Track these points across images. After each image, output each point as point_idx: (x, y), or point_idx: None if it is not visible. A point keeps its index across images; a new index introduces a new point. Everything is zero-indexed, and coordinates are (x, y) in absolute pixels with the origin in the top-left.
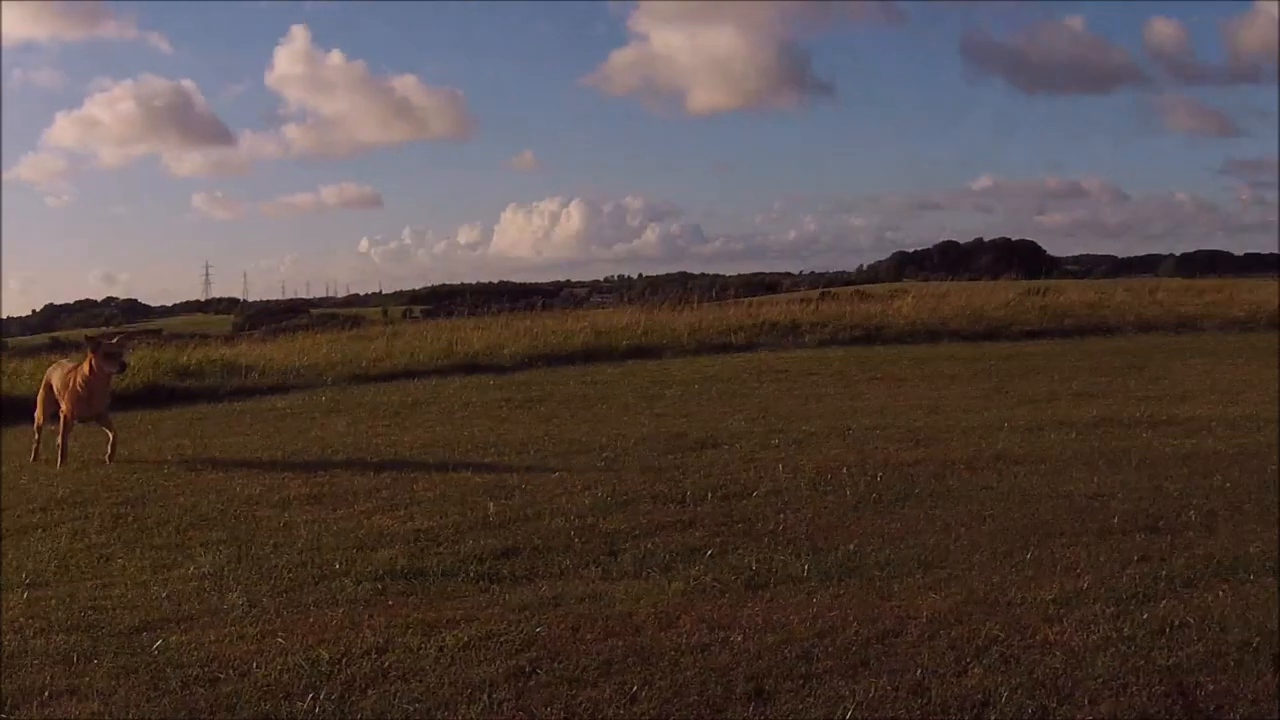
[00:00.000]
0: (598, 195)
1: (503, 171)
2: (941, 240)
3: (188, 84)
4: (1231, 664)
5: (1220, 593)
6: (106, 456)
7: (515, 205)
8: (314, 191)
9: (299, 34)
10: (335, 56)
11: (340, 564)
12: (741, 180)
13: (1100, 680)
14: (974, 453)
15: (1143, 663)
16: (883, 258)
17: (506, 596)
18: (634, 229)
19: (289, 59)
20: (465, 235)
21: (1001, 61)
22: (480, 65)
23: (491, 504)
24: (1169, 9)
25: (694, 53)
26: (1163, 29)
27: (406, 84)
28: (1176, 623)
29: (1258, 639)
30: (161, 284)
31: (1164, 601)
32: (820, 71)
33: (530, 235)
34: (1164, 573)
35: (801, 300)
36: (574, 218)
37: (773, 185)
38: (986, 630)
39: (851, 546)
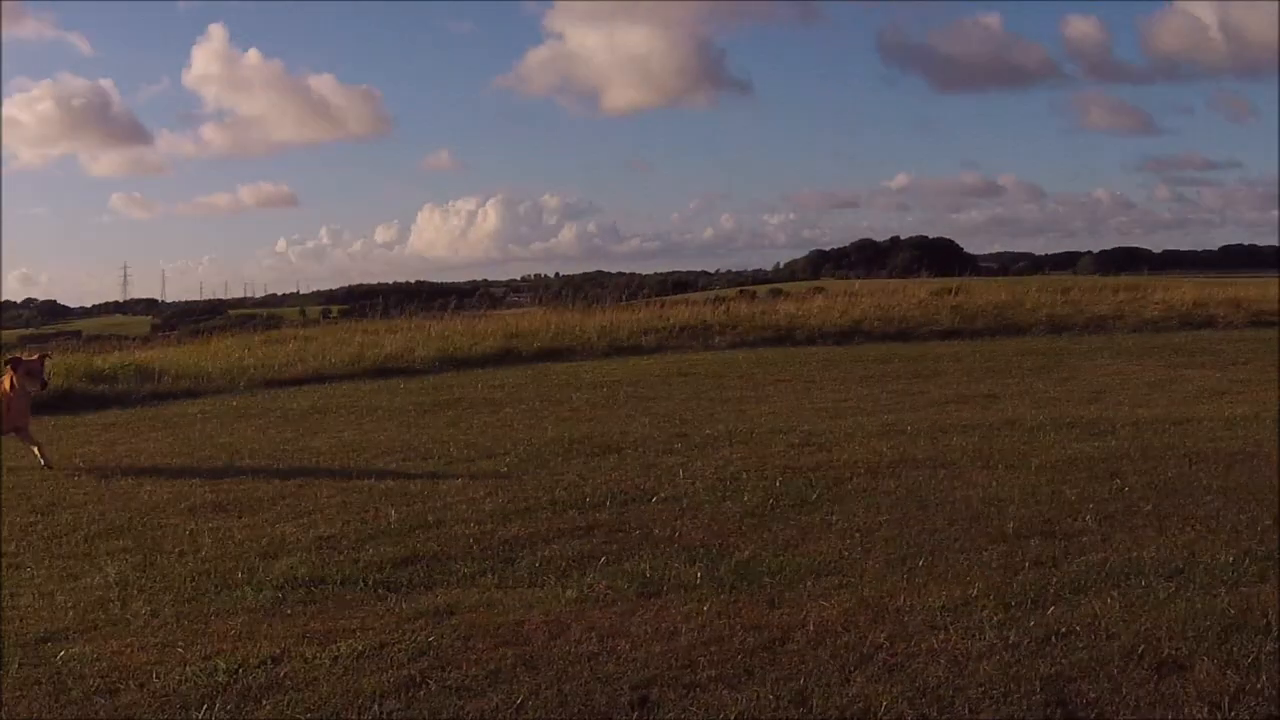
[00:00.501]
0: (514, 194)
1: (419, 171)
2: (858, 238)
3: (106, 83)
4: (1114, 671)
5: (1109, 599)
6: (43, 465)
7: (432, 205)
8: (231, 191)
9: (217, 33)
10: (252, 55)
11: (242, 573)
12: (658, 179)
13: (982, 689)
14: (875, 457)
15: (1025, 671)
16: (800, 256)
17: (403, 605)
18: (551, 228)
19: (206, 58)
20: (382, 235)
21: (918, 60)
22: (396, 64)
23: (393, 511)
24: (1087, 7)
25: (610, 51)
26: (1081, 27)
27: (323, 83)
28: (1063, 630)
29: (1142, 646)
30: (81, 285)
31: (1052, 608)
32: (736, 70)
33: (447, 235)
34: (1055, 579)
35: (716, 300)
36: (490, 217)
37: (689, 183)
38: (872, 638)
39: (746, 553)
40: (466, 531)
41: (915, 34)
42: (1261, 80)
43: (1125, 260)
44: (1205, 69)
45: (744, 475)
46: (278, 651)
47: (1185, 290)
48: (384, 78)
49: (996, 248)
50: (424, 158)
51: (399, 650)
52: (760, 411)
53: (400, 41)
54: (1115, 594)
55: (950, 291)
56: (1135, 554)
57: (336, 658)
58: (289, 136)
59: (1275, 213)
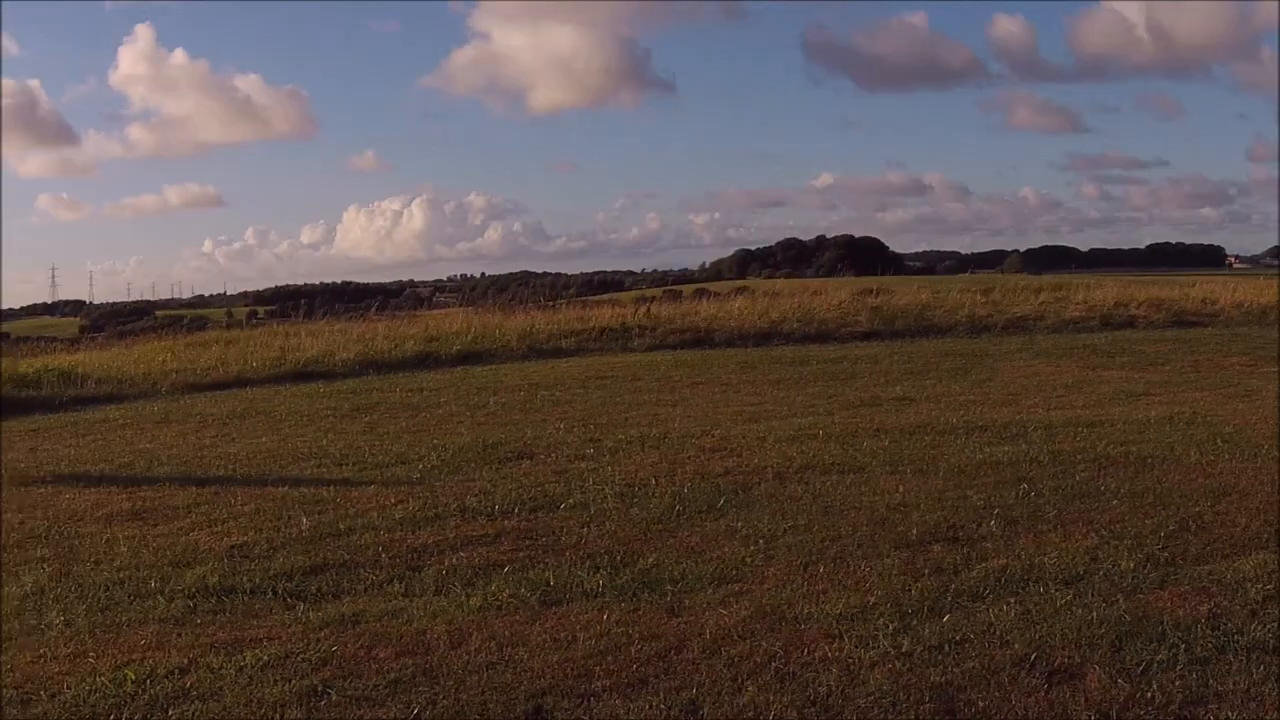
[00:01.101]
0: (440, 194)
1: (345, 171)
2: (784, 238)
3: (33, 84)
4: (1005, 680)
5: (1006, 606)
6: None
7: (358, 205)
8: (158, 192)
9: (143, 33)
10: (179, 56)
11: (156, 582)
12: (584, 178)
13: (872, 698)
14: (784, 462)
15: (915, 680)
16: (726, 255)
17: (310, 614)
18: (476, 228)
19: (133, 58)
20: (308, 235)
21: (843, 59)
22: (322, 64)
23: (305, 519)
24: (1013, 7)
25: (535, 51)
26: (1007, 27)
27: (249, 83)
28: (957, 638)
29: (1035, 654)
30: (9, 286)
31: (948, 616)
32: (662, 69)
33: (373, 235)
34: (954, 586)
35: (640, 300)
36: (416, 217)
37: (615, 183)
38: (767, 647)
39: (650, 560)
40: (376, 539)
41: (841, 33)
42: (1189, 79)
43: (1052, 258)
44: (1132, 68)
45: (653, 481)
46: (186, 661)
47: (1107, 290)
48: (310, 78)
49: (923, 246)
50: (350, 158)
51: (303, 660)
52: (675, 415)
53: (326, 42)
54: (1013, 601)
55: (871, 292)
56: (1037, 560)
57: (242, 667)
58: (215, 137)
59: (1202, 210)
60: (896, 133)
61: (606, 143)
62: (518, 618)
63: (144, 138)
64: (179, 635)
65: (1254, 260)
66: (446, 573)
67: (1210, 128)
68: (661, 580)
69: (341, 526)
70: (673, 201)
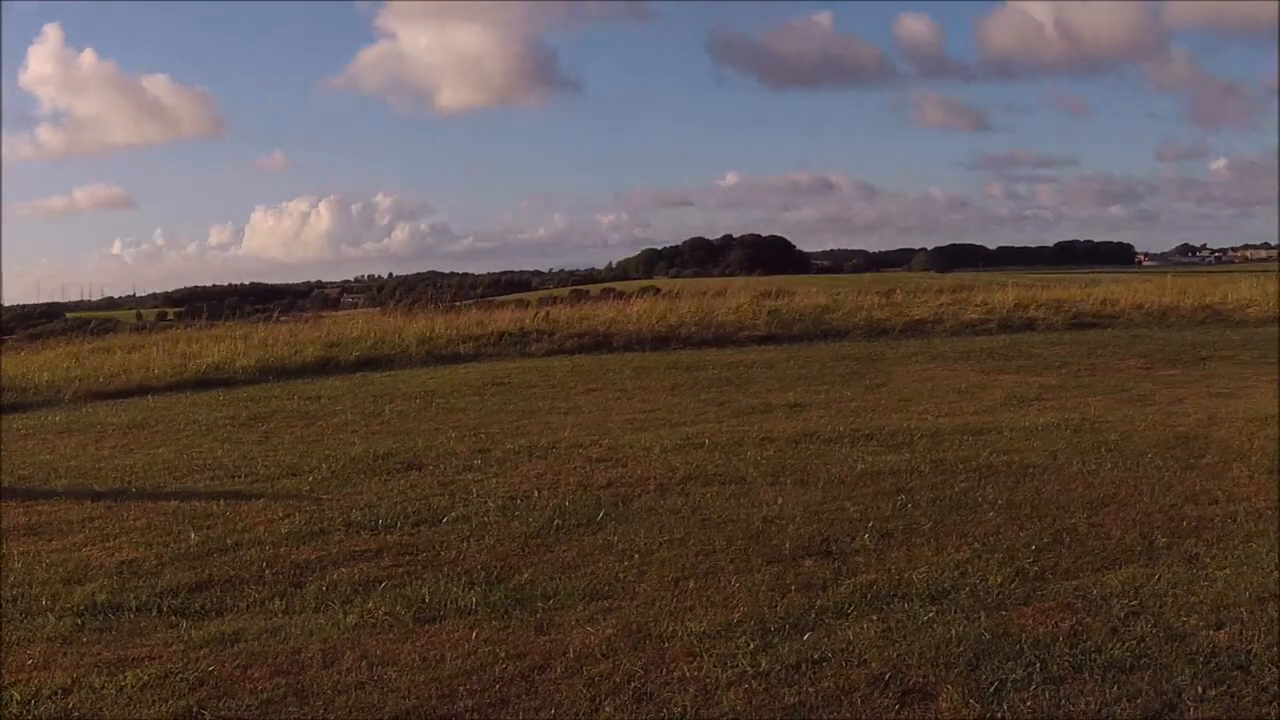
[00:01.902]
0: (347, 195)
1: (253, 171)
2: (691, 237)
3: None
4: (858, 700)
5: (868, 624)
6: None
7: (265, 206)
8: (66, 193)
9: (52, 33)
10: (88, 56)
11: (46, 599)
12: (491, 178)
13: (726, 719)
14: (668, 472)
15: (770, 700)
16: (633, 255)
17: (192, 633)
18: (383, 228)
19: (42, 59)
20: (216, 236)
21: (749, 58)
22: (230, 64)
23: (194, 533)
24: (920, 6)
25: (442, 51)
26: (914, 26)
27: (157, 83)
28: (816, 657)
29: (890, 673)
30: None
31: (809, 634)
32: (568, 69)
33: (280, 236)
34: (819, 603)
35: (542, 302)
36: (324, 217)
37: (522, 183)
38: (628, 666)
39: (525, 576)
40: (261, 555)
41: (746, 33)
42: (1098, 78)
43: (960, 257)
44: (1041, 67)
45: (536, 493)
46: (70, 681)
47: (1007, 292)
48: (218, 78)
49: (830, 245)
50: (257, 158)
51: (181, 680)
52: (566, 423)
53: (234, 41)
54: (875, 618)
55: (770, 295)
56: (906, 575)
57: (122, 688)
58: (124, 138)
59: (1112, 209)
60: (803, 132)
61: (514, 143)
62: (391, 636)
63: (53, 138)
64: (65, 654)
65: (1163, 258)
66: (327, 589)
67: (1119, 127)
68: (534, 597)
69: (229, 542)
70: (580, 201)
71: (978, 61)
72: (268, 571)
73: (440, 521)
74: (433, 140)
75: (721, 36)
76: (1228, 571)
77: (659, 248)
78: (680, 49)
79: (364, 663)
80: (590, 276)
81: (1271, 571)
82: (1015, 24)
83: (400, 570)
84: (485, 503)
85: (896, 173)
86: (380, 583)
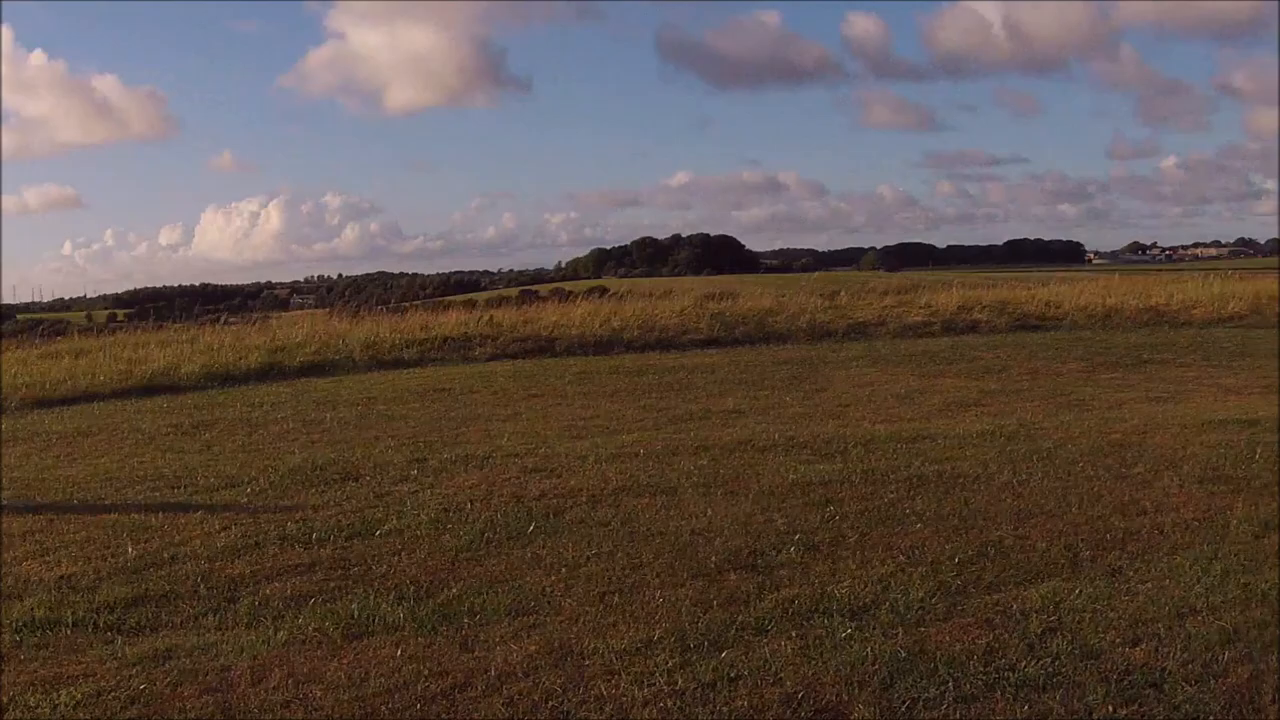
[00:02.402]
0: (297, 195)
1: (203, 172)
2: (640, 236)
3: None
4: None
5: (787, 640)
6: None
7: (215, 206)
8: (17, 194)
9: (3, 34)
10: (37, 56)
11: None
12: (440, 178)
13: None
14: (601, 483)
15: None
16: (582, 254)
17: (126, 649)
18: (333, 228)
19: None
20: (166, 237)
21: (697, 58)
22: (180, 64)
23: (131, 547)
24: (868, 6)
25: (391, 51)
26: (862, 25)
27: (107, 83)
28: (733, 675)
29: (804, 692)
30: None
31: (727, 652)
32: (517, 69)
33: (231, 236)
34: (740, 618)
35: (491, 303)
36: (273, 218)
37: (471, 182)
38: (548, 684)
39: (454, 591)
40: (197, 569)
41: (694, 32)
42: (1048, 77)
43: (910, 256)
44: (990, 66)
45: (469, 505)
46: (6, 700)
47: (951, 294)
48: (168, 78)
49: (779, 244)
50: (208, 159)
51: (114, 698)
52: (505, 431)
53: (184, 41)
54: (795, 635)
55: (714, 298)
56: (829, 589)
57: (56, 706)
58: (74, 138)
59: (1062, 207)
60: (752, 131)
61: (463, 142)
62: (319, 653)
63: (3, 139)
64: (3, 673)
65: (1113, 256)
66: (259, 604)
67: (1069, 125)
68: (460, 613)
69: (166, 555)
70: (529, 201)
71: (926, 60)
72: (202, 586)
73: (374, 534)
74: (382, 140)
75: (669, 36)
76: (1149, 585)
77: (608, 248)
78: (628, 49)
79: (291, 681)
80: (539, 276)
81: (1193, 586)
82: (963, 23)
83: (332, 585)
84: (418, 515)
85: (846, 172)
86: (311, 598)
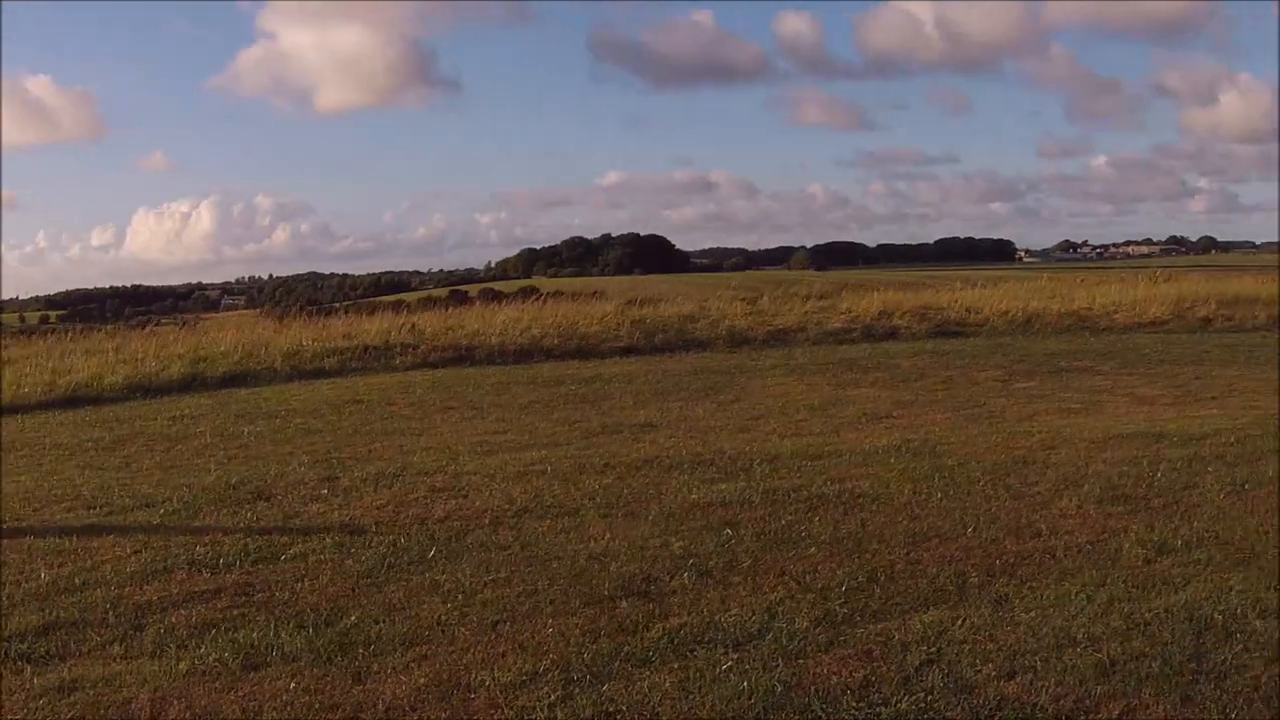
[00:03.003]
0: (228, 196)
1: (135, 173)
2: (570, 236)
3: None
4: None
5: (669, 672)
6: None
7: (147, 207)
8: None
9: None
10: None
11: None
12: (371, 178)
13: None
14: (505, 504)
15: None
16: (512, 254)
17: (35, 680)
18: (264, 229)
19: None
20: (98, 238)
21: (630, 57)
22: (112, 65)
23: (44, 572)
24: (801, 5)
25: (321, 51)
26: (795, 24)
27: (39, 84)
28: (611, 710)
29: None
30: None
31: (608, 684)
32: (448, 69)
33: (162, 237)
34: (626, 649)
35: (418, 303)
36: (204, 219)
37: (402, 183)
38: (433, 719)
39: (352, 619)
40: (106, 595)
41: (627, 32)
42: (979, 76)
43: (840, 255)
44: (921, 65)
45: (374, 527)
46: None
47: (872, 299)
48: (100, 79)
49: (709, 244)
50: (139, 159)
51: None
52: (418, 446)
53: (116, 42)
54: (677, 666)
55: (636, 303)
56: (717, 618)
57: None
58: (5, 139)
59: (993, 205)
60: (683, 131)
61: (394, 143)
62: (217, 685)
63: None
64: None
65: (1044, 254)
66: (165, 633)
67: (1000, 124)
68: (357, 642)
69: (77, 581)
70: (460, 201)
71: (858, 59)
72: (111, 614)
73: (279, 559)
74: (313, 141)
75: (602, 35)
76: (1033, 615)
77: (538, 248)
78: (560, 48)
79: (189, 715)
80: (469, 277)
81: (1076, 615)
82: (895, 22)
83: (235, 613)
84: (324, 539)
85: (775, 171)
86: (215, 626)
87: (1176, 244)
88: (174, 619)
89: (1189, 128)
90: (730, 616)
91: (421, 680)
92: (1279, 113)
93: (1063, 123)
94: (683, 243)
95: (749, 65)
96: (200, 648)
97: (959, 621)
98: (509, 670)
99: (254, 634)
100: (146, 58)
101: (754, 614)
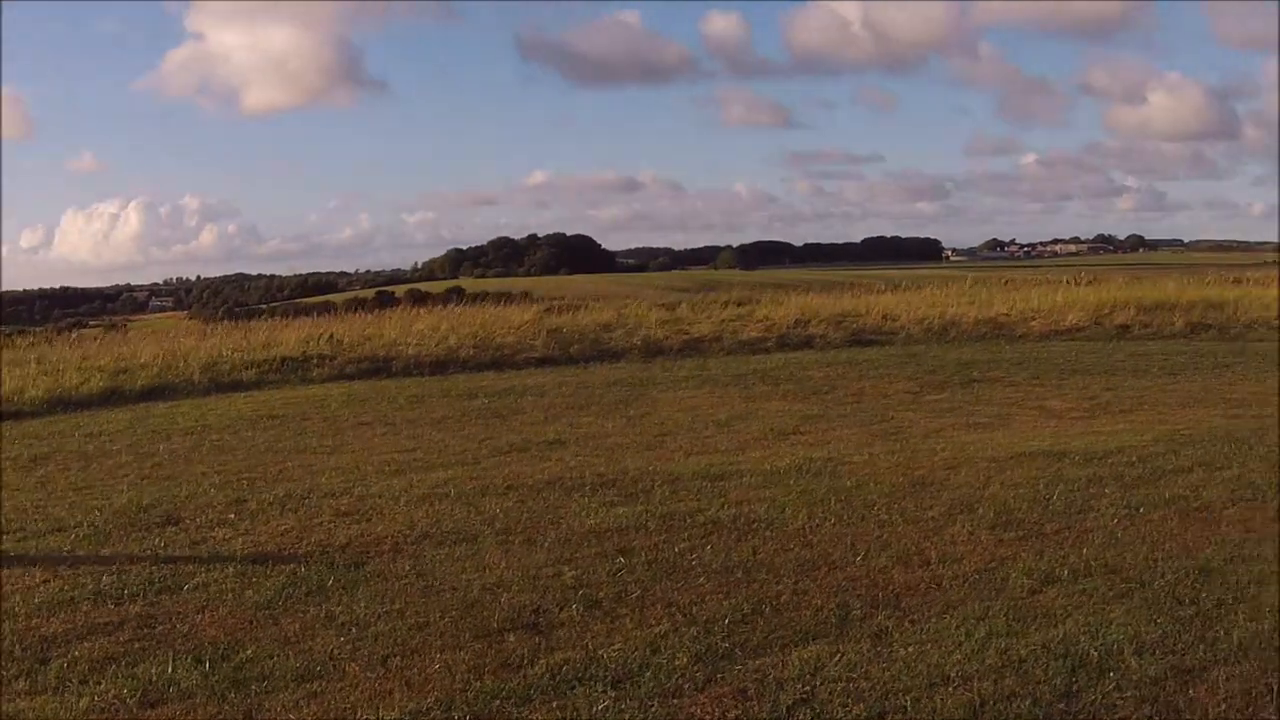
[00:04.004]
0: (155, 197)
1: (63, 174)
2: (496, 236)
3: None
4: None
5: (548, 711)
6: None
7: (75, 208)
8: None
9: None
10: None
11: None
12: (298, 179)
13: None
14: (406, 529)
15: None
16: (438, 255)
17: None
18: (191, 230)
19: None
20: (27, 239)
21: (557, 57)
22: (38, 66)
23: None
24: (727, 5)
25: (249, 51)
26: (721, 23)
27: None
28: None
29: None
30: None
31: None
32: (375, 69)
33: (90, 239)
34: (508, 687)
35: (344, 305)
36: (132, 220)
37: (329, 183)
38: None
39: (249, 653)
40: (14, 628)
41: (554, 32)
42: (906, 74)
43: (768, 254)
44: (848, 64)
45: (277, 554)
46: None
47: (789, 306)
48: (28, 80)
49: (635, 243)
50: (68, 160)
51: None
52: (327, 466)
53: (43, 42)
54: (556, 705)
55: (553, 311)
56: (600, 653)
57: None
58: None
59: (920, 204)
60: (610, 130)
61: (320, 143)
62: None
63: None
64: None
65: (970, 253)
66: (67, 668)
67: (927, 122)
68: (251, 678)
69: None
70: (387, 202)
71: (784, 58)
72: (18, 647)
73: (182, 589)
74: (240, 141)
75: (529, 36)
76: (911, 650)
77: (464, 248)
78: (487, 48)
79: None
80: (396, 277)
81: (953, 651)
82: (823, 21)
83: (136, 646)
84: (226, 568)
85: (702, 170)
86: (116, 661)
87: (1104, 242)
88: (77, 653)
89: (1117, 126)
90: (614, 651)
91: (310, 719)
92: None
93: (991, 121)
94: (609, 242)
95: (676, 64)
96: (100, 684)
97: (836, 657)
98: (394, 708)
99: (153, 669)
100: (75, 58)
101: (637, 649)
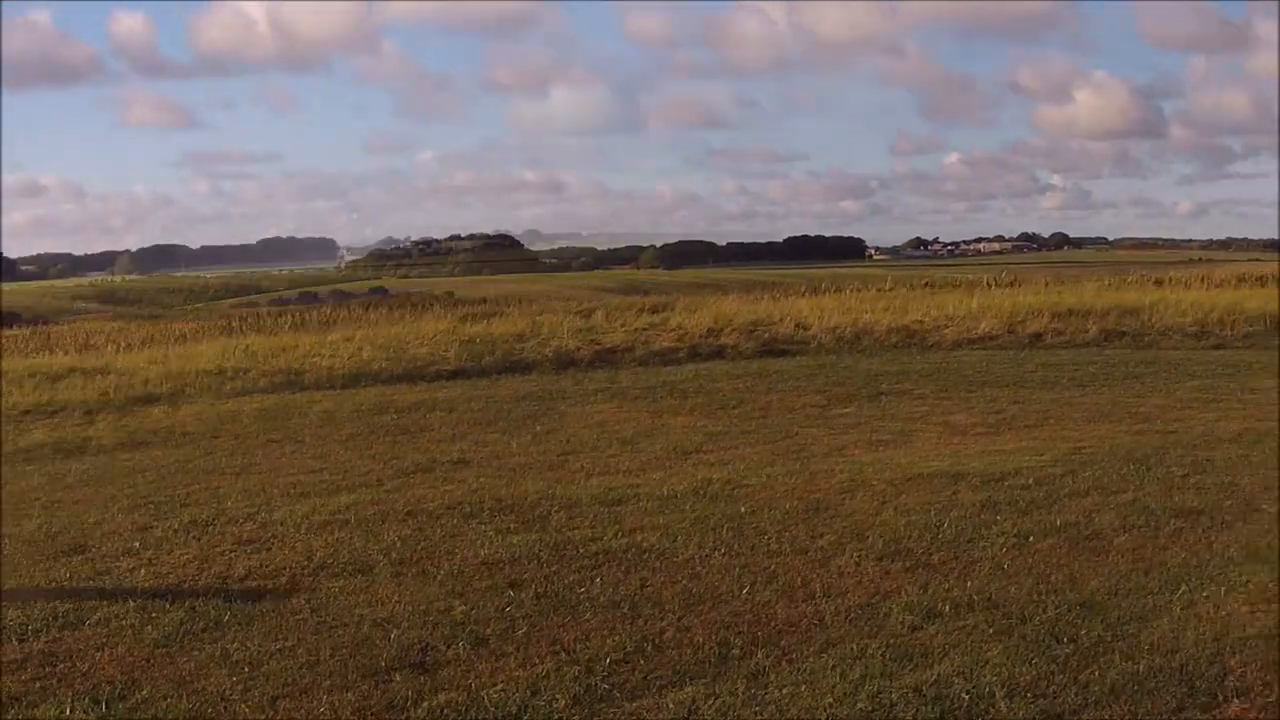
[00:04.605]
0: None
1: None
2: None
3: None
4: None
5: None
6: None
7: None
8: None
9: None
10: None
11: None
12: None
13: None
14: (304, 560)
15: None
16: None
17: None
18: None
19: None
20: None
21: None
22: None
23: None
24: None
25: None
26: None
27: None
28: None
29: None
30: None
31: None
32: None
33: None
34: None
35: (270, 302)
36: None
37: None
38: None
39: (144, 694)
40: None
41: None
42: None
43: (691, 255)
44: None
45: (178, 587)
46: None
47: (703, 315)
48: None
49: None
50: None
51: None
52: (234, 489)
53: None
54: None
55: (469, 319)
56: (483, 694)
57: None
58: None
59: (844, 203)
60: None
61: None
62: None
63: None
64: None
65: (894, 251)
66: None
67: (854, 123)
68: None
69: None
70: None
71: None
72: None
73: (84, 624)
74: None
75: None
76: (785, 693)
77: None
78: None
79: None
80: None
81: (825, 694)
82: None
83: (37, 686)
84: (128, 601)
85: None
86: (18, 701)
87: (1029, 240)
88: None
89: (1042, 125)
90: (495, 693)
91: None
92: None
93: (915, 120)
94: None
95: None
96: None
97: (711, 700)
98: None
99: (51, 711)
100: None
101: (518, 690)
